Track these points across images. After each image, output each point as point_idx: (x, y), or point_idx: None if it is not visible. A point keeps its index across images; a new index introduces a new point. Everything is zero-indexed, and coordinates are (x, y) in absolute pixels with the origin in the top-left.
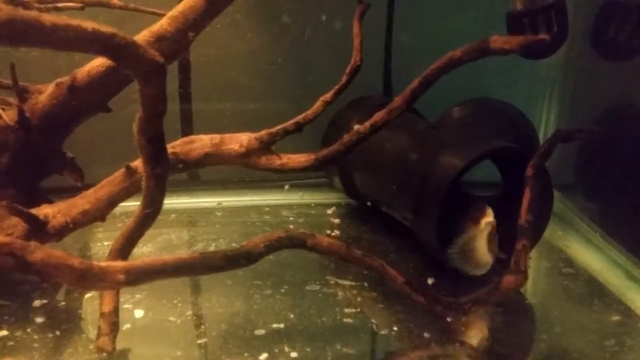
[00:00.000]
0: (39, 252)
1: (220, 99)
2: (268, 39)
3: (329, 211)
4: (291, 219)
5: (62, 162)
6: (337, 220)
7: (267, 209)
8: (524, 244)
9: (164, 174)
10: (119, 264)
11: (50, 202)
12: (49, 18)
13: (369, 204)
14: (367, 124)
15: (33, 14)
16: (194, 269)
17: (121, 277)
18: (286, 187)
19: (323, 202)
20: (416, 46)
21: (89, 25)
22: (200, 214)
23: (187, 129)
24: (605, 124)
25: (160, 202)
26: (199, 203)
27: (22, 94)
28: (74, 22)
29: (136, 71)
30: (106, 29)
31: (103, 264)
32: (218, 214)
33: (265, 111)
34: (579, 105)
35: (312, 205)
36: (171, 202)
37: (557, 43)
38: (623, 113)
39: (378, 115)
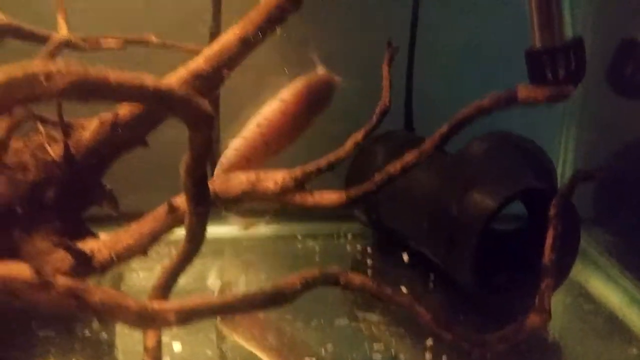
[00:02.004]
0: (98, 293)
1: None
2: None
3: (353, 242)
4: (317, 249)
5: (101, 194)
6: (361, 252)
7: (293, 239)
8: (547, 284)
9: (206, 212)
10: (171, 304)
11: (89, 231)
12: (114, 75)
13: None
14: (398, 165)
15: (101, 72)
16: (237, 309)
17: (172, 317)
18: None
19: (347, 232)
20: (436, 85)
21: (150, 81)
22: (228, 243)
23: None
24: (624, 160)
25: (202, 239)
26: (225, 233)
27: (67, 130)
28: (137, 79)
29: (188, 121)
30: (165, 86)
31: (156, 305)
32: (245, 243)
33: None
34: (597, 140)
35: (338, 235)
36: None
37: (575, 80)
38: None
39: (408, 157)
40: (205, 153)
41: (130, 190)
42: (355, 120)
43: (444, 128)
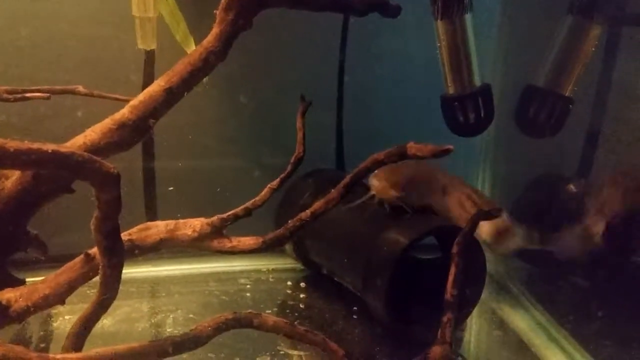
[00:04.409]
0: (0, 348)
1: (182, 157)
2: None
3: (283, 277)
4: (248, 286)
5: (26, 240)
6: (292, 287)
7: (224, 276)
8: (449, 317)
9: (120, 263)
10: (74, 356)
11: (14, 278)
12: (12, 144)
13: (324, 272)
14: (308, 212)
15: None
16: (145, 356)
17: None
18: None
19: (278, 267)
20: (366, 123)
21: (49, 147)
22: (160, 283)
23: (151, 186)
24: (533, 191)
25: (116, 289)
26: (158, 272)
27: None
28: (35, 145)
29: (93, 182)
30: (65, 149)
31: (59, 356)
32: (178, 282)
33: (223, 167)
34: (510, 174)
35: (269, 270)
36: (130, 271)
37: (484, 123)
38: (548, 181)
39: (317, 205)
40: (114, 211)
41: (58, 231)
42: None
43: (347, 179)
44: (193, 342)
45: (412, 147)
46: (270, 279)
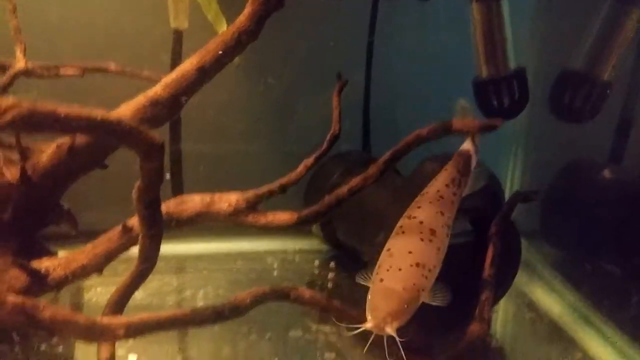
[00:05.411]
0: (47, 310)
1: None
2: (254, 91)
3: (310, 258)
4: (275, 265)
5: (59, 214)
6: (319, 267)
7: (252, 255)
8: (487, 296)
9: (159, 234)
10: (120, 320)
11: (47, 250)
12: (63, 110)
13: (350, 251)
14: (345, 189)
15: (49, 106)
16: (186, 323)
17: (121, 331)
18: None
19: (305, 248)
20: (393, 103)
21: (98, 114)
22: (188, 260)
23: (177, 168)
24: (566, 178)
25: (155, 259)
26: (186, 249)
27: (25, 153)
28: (84, 111)
29: (138, 151)
30: (113, 116)
31: (105, 320)
32: (205, 260)
33: (250, 151)
34: (542, 160)
35: (296, 250)
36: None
37: (519, 107)
38: (580, 167)
39: (355, 181)
40: (156, 181)
41: (89, 207)
42: None
43: (387, 155)
44: (233, 311)
45: (457, 122)
46: (297, 259)
